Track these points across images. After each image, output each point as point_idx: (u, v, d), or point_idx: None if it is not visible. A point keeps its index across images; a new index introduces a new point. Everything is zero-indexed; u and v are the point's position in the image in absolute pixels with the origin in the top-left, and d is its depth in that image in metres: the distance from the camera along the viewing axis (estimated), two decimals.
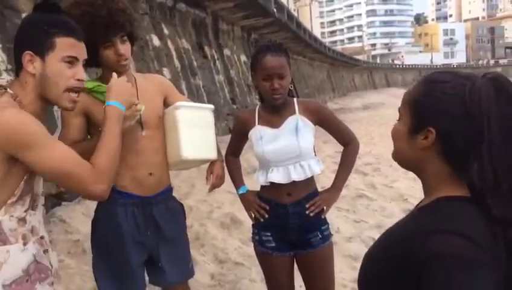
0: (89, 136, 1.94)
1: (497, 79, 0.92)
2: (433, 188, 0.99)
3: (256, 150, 2.11)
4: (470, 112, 0.90)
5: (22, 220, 1.35)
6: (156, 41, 8.09)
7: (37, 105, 1.38)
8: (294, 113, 2.08)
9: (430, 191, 1.00)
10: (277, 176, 2.07)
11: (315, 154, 2.17)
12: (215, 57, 11.09)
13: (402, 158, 1.05)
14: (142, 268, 2.03)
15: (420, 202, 1.07)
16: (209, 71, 10.31)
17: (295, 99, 2.14)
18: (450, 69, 1.04)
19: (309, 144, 2.08)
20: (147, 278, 2.12)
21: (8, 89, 1.35)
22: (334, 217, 5.06)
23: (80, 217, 4.88)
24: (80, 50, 1.41)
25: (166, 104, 2.08)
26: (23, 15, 4.88)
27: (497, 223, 0.88)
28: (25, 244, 1.35)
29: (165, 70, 7.92)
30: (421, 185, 1.05)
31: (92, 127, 1.91)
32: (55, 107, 1.90)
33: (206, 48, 10.52)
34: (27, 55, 1.34)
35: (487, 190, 0.89)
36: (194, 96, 8.87)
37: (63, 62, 1.36)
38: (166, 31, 8.39)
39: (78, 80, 1.39)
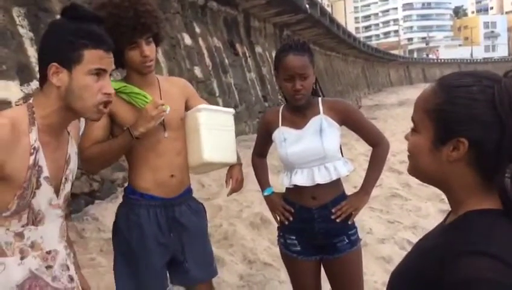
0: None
1: None
2: (462, 202, 0.91)
3: (280, 152, 2.05)
4: (502, 116, 0.83)
5: (19, 235, 1.32)
6: (187, 40, 8.13)
7: (60, 116, 1.34)
8: (318, 113, 2.01)
9: (458, 205, 0.93)
10: (301, 179, 2.01)
11: (342, 155, 2.10)
12: (247, 54, 11.07)
13: (425, 174, 0.96)
14: (165, 270, 2.02)
15: (448, 215, 1.00)
16: (240, 69, 10.29)
17: (320, 99, 2.07)
18: (466, 72, 0.93)
19: (334, 145, 2.01)
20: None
21: (31, 100, 1.34)
22: (367, 217, 4.94)
23: (113, 215, 4.93)
24: (108, 62, 1.34)
25: (187, 107, 2.08)
26: (58, 17, 4.99)
27: None
28: (22, 258, 1.33)
29: (197, 69, 7.95)
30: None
31: (116, 127, 1.91)
32: None
33: (238, 46, 10.51)
34: (53, 67, 1.29)
35: None
36: (225, 94, 8.88)
37: (90, 75, 1.30)
38: (197, 30, 8.43)
39: (106, 93, 1.33)
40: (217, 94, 8.40)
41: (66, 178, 1.42)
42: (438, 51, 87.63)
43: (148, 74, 1.94)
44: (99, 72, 1.32)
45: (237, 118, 8.64)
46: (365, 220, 4.85)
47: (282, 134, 2.05)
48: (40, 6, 4.71)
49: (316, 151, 1.98)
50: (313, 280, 2.14)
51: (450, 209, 0.99)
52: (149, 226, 1.94)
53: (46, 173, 1.34)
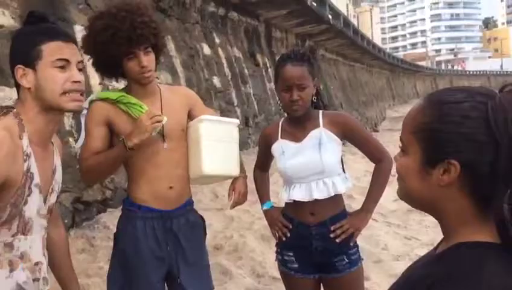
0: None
1: None
2: (454, 230, 0.83)
3: (278, 166, 2.00)
4: (496, 135, 0.74)
5: (9, 246, 1.30)
6: (206, 50, 8.17)
7: (42, 118, 1.33)
8: (318, 126, 1.95)
9: (450, 233, 0.84)
10: (299, 194, 1.94)
11: (343, 171, 2.02)
12: (267, 64, 11.06)
13: (415, 198, 0.87)
14: (162, 283, 1.97)
15: (439, 244, 0.91)
16: (260, 79, 10.29)
17: (320, 112, 2.00)
18: (457, 87, 0.86)
19: (333, 159, 1.94)
20: None
21: (13, 109, 1.33)
22: (383, 233, 4.81)
23: None
24: (69, 52, 1.33)
25: (191, 117, 2.03)
26: (76, 26, 5.06)
27: None
28: (11, 271, 1.30)
29: (215, 79, 7.97)
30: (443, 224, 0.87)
31: (116, 138, 1.89)
32: (83, 113, 1.91)
33: (258, 56, 10.51)
34: (19, 70, 1.31)
35: None
36: (244, 104, 8.88)
37: (54, 67, 1.30)
38: (217, 40, 8.47)
39: (74, 81, 1.32)
40: (236, 104, 8.40)
41: (52, 189, 1.41)
42: (464, 62, 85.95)
43: (148, 84, 1.92)
44: (63, 64, 1.31)
45: (256, 128, 8.63)
46: (380, 235, 4.72)
47: (281, 147, 2.00)
48: (59, 16, 4.79)
49: (314, 165, 1.92)
50: None
51: None
52: (145, 239, 1.90)
53: (37, 179, 1.33)
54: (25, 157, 1.28)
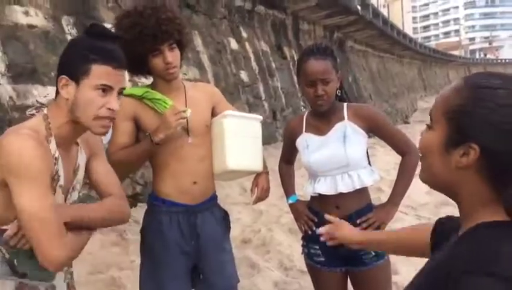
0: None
1: None
2: (472, 213, 0.84)
3: (303, 159, 2.00)
4: None
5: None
6: (233, 44, 8.18)
7: (70, 128, 1.36)
8: (343, 119, 1.94)
9: (468, 217, 0.85)
10: (323, 187, 1.94)
11: (369, 164, 2.01)
12: (295, 58, 10.99)
13: (435, 177, 0.88)
14: (187, 277, 2.00)
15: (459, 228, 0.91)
16: (288, 72, 10.24)
17: (345, 104, 1.99)
18: (496, 72, 0.85)
19: (358, 152, 1.92)
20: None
21: (45, 109, 1.37)
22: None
23: None
24: (116, 79, 1.34)
25: (214, 113, 2.06)
26: (106, 24, 5.17)
27: None
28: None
29: (243, 73, 7.99)
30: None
31: (141, 133, 1.93)
32: None
33: (286, 49, 10.46)
34: (63, 79, 1.33)
35: None
36: (272, 97, 8.86)
37: (96, 90, 1.32)
38: (244, 34, 8.47)
39: (109, 109, 1.34)
40: (263, 98, 8.39)
41: (73, 188, 1.44)
42: (497, 50, 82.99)
43: (173, 80, 1.95)
44: (105, 89, 1.33)
45: (284, 122, 8.60)
46: None
47: (305, 141, 1.99)
48: (88, 15, 4.90)
49: (339, 158, 1.91)
50: None
51: None
52: (171, 234, 1.93)
53: (62, 181, 1.37)
54: (54, 161, 1.32)
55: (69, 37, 4.52)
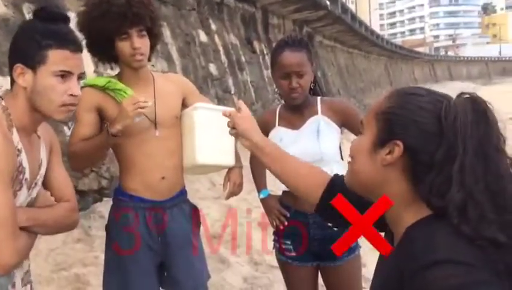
0: None
1: (475, 100, 0.86)
2: (398, 214, 0.91)
3: None
4: (444, 130, 0.85)
5: None
6: (203, 37, 8.08)
7: (30, 117, 1.30)
8: (316, 113, 1.92)
9: (396, 219, 0.93)
10: None
11: (342, 158, 1.99)
12: (264, 52, 10.97)
13: (360, 180, 0.95)
14: (155, 274, 1.94)
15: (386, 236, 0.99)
16: (257, 66, 10.21)
17: (318, 98, 1.97)
18: (423, 87, 0.96)
19: (332, 147, 1.90)
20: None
21: (2, 101, 1.29)
22: None
23: None
24: (74, 63, 1.28)
25: (185, 105, 1.98)
26: (70, 13, 4.98)
27: (474, 240, 0.81)
28: None
29: (212, 66, 7.90)
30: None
31: (104, 124, 1.85)
32: None
33: (255, 43, 10.42)
34: (18, 68, 1.25)
35: (453, 210, 0.82)
36: (241, 91, 8.82)
37: (55, 76, 1.25)
38: (213, 27, 8.38)
39: (72, 95, 1.28)
40: (232, 92, 8.33)
41: (36, 183, 1.36)
42: (458, 48, 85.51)
43: (141, 70, 1.87)
44: (64, 74, 1.26)
45: (254, 116, 8.51)
46: None
47: (279, 134, 1.96)
48: (52, 4, 4.70)
49: (312, 153, 1.88)
50: (310, 287, 2.05)
51: None
52: (138, 230, 1.87)
53: (27, 174, 1.29)
54: (17, 152, 1.25)
55: None
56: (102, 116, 1.85)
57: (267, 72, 10.72)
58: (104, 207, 4.77)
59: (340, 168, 1.93)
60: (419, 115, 0.87)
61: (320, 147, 1.87)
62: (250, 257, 3.86)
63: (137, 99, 1.70)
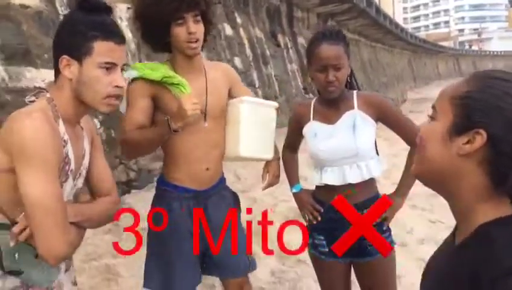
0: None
1: None
2: (470, 209, 0.82)
3: (310, 148, 1.95)
4: None
5: None
6: (228, 30, 8.07)
7: (74, 108, 1.32)
8: (352, 107, 1.89)
9: (466, 213, 0.83)
10: (331, 177, 1.90)
11: (377, 153, 1.97)
12: (289, 45, 10.91)
13: (433, 167, 0.85)
14: (197, 260, 1.96)
15: (456, 229, 0.89)
16: (281, 60, 10.16)
17: (355, 92, 1.94)
18: (501, 70, 0.87)
19: (368, 142, 1.88)
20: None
21: (47, 93, 1.31)
22: (407, 216, 4.75)
23: (149, 205, 5.02)
24: (118, 55, 1.30)
25: (230, 95, 2.01)
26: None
27: None
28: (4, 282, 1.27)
29: (237, 60, 7.90)
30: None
31: (159, 113, 1.86)
32: None
33: (280, 36, 10.37)
34: (64, 60, 1.27)
35: None
36: (265, 85, 8.80)
37: (100, 68, 1.27)
38: (239, 20, 8.36)
39: (117, 86, 1.30)
40: (257, 85, 8.32)
41: (80, 174, 1.39)
42: (481, 42, 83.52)
43: (195, 58, 1.86)
44: (110, 67, 1.28)
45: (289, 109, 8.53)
46: (405, 219, 4.67)
47: (313, 129, 1.95)
48: None
49: (348, 148, 1.87)
50: (342, 283, 2.04)
51: None
52: (181, 219, 1.90)
53: (72, 165, 1.32)
54: (63, 143, 1.27)
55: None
56: (157, 105, 1.86)
57: (291, 66, 10.66)
58: (133, 199, 4.84)
59: (376, 164, 1.91)
60: (505, 101, 0.79)
61: (356, 142, 1.85)
62: (277, 251, 3.85)
63: (194, 101, 1.71)
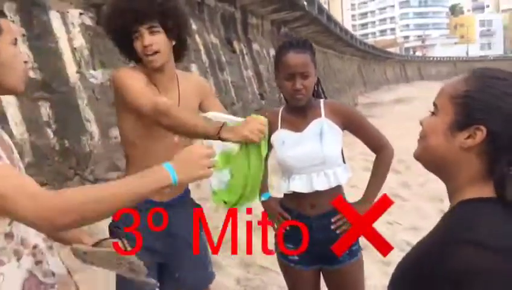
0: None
1: None
2: (461, 190, 0.91)
3: (278, 156, 1.96)
4: None
5: (9, 236, 1.21)
6: None
7: None
8: (319, 115, 1.92)
9: (456, 193, 0.92)
10: (299, 185, 1.91)
11: (344, 161, 2.00)
12: (244, 52, 10.94)
13: (433, 155, 0.94)
14: (155, 273, 1.90)
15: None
16: (237, 66, 10.18)
17: (321, 101, 1.98)
18: (498, 69, 0.94)
19: (335, 150, 1.91)
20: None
21: None
22: None
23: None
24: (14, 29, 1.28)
25: (201, 108, 1.98)
26: (52, 12, 4.85)
27: None
28: (18, 260, 1.22)
29: (193, 66, 7.83)
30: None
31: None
32: None
33: (235, 43, 10.39)
34: None
35: None
36: (222, 91, 8.77)
37: (12, 44, 1.23)
38: (194, 26, 8.29)
39: (25, 61, 1.28)
40: (213, 92, 8.27)
41: (19, 168, 1.31)
42: (425, 48, 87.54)
43: (164, 68, 1.83)
44: (15, 42, 1.25)
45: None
46: None
47: (281, 137, 1.96)
48: (33, 1, 4.58)
49: (315, 155, 1.89)
50: None
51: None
52: (138, 230, 1.84)
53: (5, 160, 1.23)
54: None
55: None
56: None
57: (247, 72, 10.70)
58: None
59: (343, 171, 1.95)
60: (503, 100, 0.86)
61: (323, 150, 1.88)
62: (241, 259, 3.84)
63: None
